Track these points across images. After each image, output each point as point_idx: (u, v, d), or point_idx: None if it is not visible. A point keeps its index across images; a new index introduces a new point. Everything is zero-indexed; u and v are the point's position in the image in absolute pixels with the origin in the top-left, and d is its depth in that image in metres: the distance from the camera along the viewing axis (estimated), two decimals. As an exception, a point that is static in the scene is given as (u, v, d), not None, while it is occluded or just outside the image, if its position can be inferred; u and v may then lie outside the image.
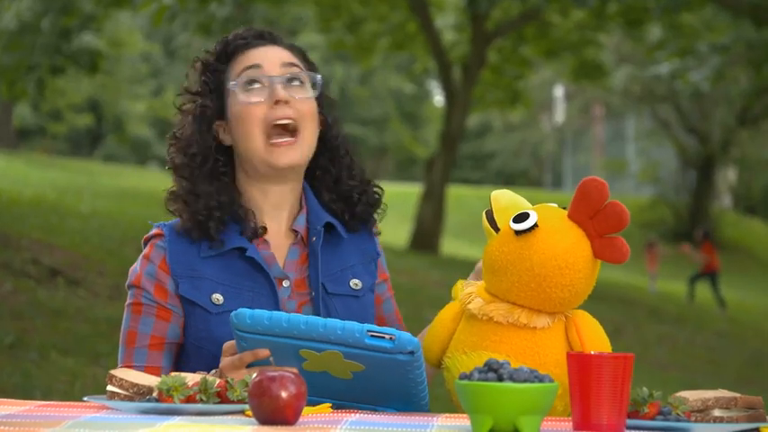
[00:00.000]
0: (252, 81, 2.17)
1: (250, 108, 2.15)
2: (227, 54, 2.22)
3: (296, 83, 2.18)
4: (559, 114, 39.07)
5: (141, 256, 2.17)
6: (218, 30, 15.39)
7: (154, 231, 2.19)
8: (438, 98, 38.00)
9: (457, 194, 23.82)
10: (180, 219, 2.17)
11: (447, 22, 19.12)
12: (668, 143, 29.94)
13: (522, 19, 16.58)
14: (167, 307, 2.13)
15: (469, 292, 1.98)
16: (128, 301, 2.17)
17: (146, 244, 2.19)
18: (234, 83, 2.18)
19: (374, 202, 2.28)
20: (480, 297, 1.95)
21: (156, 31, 29.41)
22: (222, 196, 2.16)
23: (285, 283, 2.16)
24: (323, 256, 2.19)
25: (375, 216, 2.29)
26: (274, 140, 2.14)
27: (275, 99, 2.14)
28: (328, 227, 2.21)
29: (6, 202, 12.35)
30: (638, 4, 14.61)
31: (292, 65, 2.19)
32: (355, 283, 2.21)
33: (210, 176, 2.18)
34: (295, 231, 2.20)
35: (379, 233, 2.33)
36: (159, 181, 22.72)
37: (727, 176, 33.72)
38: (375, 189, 2.28)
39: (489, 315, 1.92)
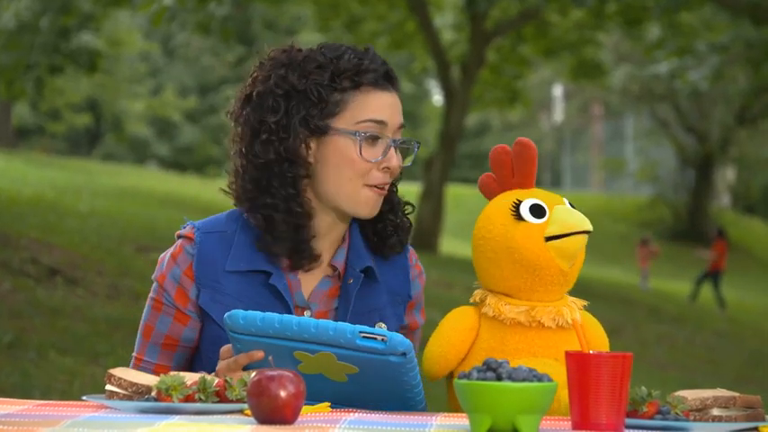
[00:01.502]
0: (374, 137, 2.10)
1: (358, 161, 2.10)
2: (353, 79, 2.11)
3: (404, 148, 2.16)
4: (558, 114, 39.07)
5: (170, 254, 2.14)
6: (216, 29, 15.39)
7: (186, 232, 2.14)
8: (437, 97, 37.95)
9: (456, 194, 23.81)
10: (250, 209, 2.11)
11: (446, 21, 19.11)
12: (667, 142, 29.96)
13: (521, 18, 16.58)
14: (186, 313, 2.12)
15: (494, 300, 1.97)
16: (151, 294, 2.16)
17: (177, 239, 2.16)
18: (356, 132, 2.08)
19: (406, 229, 2.23)
20: (509, 304, 1.95)
21: (155, 30, 29.36)
22: (294, 205, 2.10)
23: (306, 313, 2.12)
24: (354, 296, 2.16)
25: (407, 246, 2.24)
26: (371, 191, 2.11)
27: (388, 166, 2.12)
28: (366, 270, 2.17)
29: (5, 202, 12.33)
30: (637, 3, 14.61)
31: (403, 126, 2.16)
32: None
33: (287, 180, 2.10)
34: (333, 267, 2.16)
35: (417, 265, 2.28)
36: (158, 180, 22.74)
37: (726, 176, 33.74)
38: (407, 217, 2.25)
39: (539, 320, 1.93)
